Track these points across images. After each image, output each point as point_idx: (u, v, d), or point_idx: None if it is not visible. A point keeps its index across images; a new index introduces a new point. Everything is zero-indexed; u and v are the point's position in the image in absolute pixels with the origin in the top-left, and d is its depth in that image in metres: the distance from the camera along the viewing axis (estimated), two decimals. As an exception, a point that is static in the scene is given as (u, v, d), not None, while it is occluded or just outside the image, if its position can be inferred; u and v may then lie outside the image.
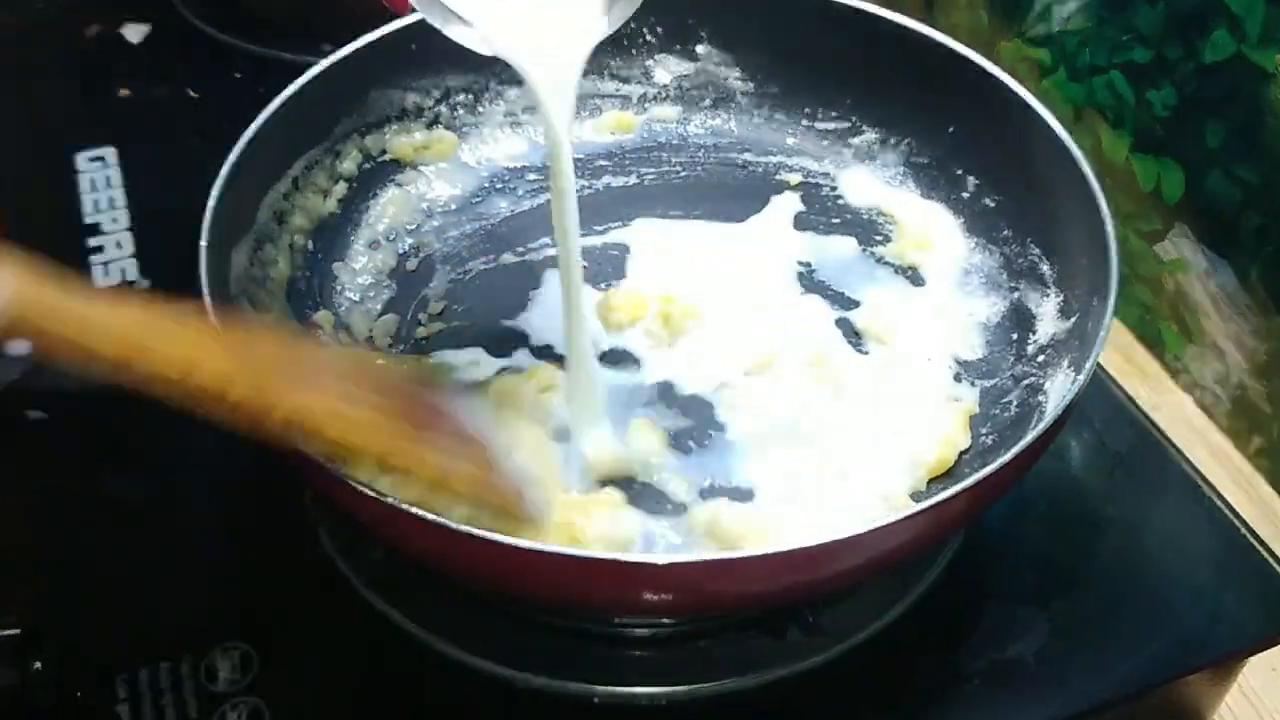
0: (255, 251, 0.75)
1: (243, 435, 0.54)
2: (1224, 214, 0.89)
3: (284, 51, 1.07)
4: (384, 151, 0.87)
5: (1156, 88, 0.92)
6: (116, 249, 0.90)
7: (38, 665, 0.65)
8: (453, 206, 0.88)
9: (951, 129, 0.86)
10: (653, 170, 0.92)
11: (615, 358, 0.77)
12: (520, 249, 0.86)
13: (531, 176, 0.91)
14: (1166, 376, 0.99)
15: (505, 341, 0.78)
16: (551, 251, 0.83)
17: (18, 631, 0.67)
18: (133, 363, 0.47)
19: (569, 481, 0.69)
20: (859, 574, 0.63)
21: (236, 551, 0.72)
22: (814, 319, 0.80)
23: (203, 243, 0.66)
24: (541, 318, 0.80)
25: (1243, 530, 0.74)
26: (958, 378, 0.76)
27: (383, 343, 0.78)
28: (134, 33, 1.14)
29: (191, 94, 1.07)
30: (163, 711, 0.64)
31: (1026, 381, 0.74)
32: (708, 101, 0.95)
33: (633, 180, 0.92)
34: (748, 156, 0.93)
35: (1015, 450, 0.59)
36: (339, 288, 0.81)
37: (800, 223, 0.88)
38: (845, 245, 0.85)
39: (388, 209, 0.86)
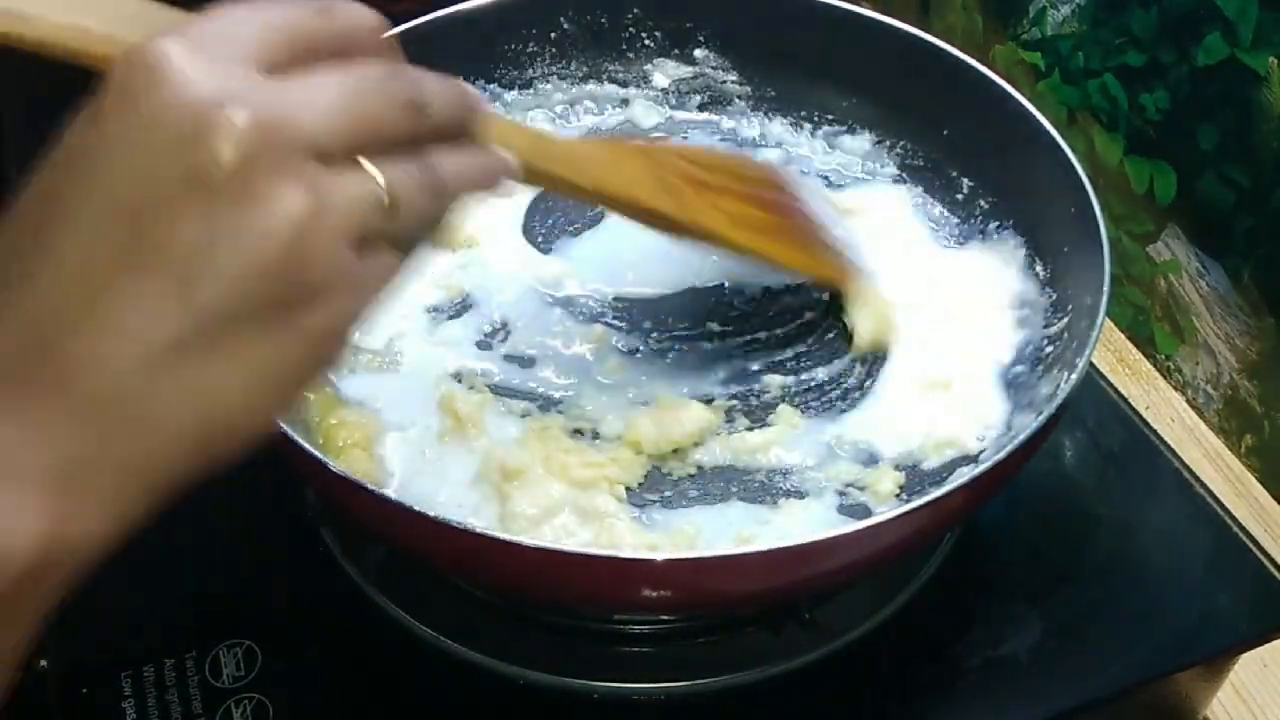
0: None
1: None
2: (1216, 216, 0.90)
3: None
4: (384, 154, 0.87)
5: (1150, 91, 0.93)
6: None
7: (43, 663, 0.66)
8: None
9: (946, 132, 0.87)
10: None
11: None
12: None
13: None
14: (1159, 376, 0.99)
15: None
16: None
17: (24, 629, 0.67)
18: (602, 192, 0.63)
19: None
20: (855, 570, 0.63)
21: (239, 549, 0.73)
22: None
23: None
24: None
25: (1234, 528, 0.75)
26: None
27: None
28: (136, 37, 1.14)
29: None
30: (168, 708, 0.64)
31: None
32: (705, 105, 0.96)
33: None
34: (745, 159, 0.93)
35: (1009, 448, 0.60)
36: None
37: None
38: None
39: (389, 212, 0.86)
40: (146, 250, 0.38)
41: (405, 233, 0.43)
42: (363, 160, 0.41)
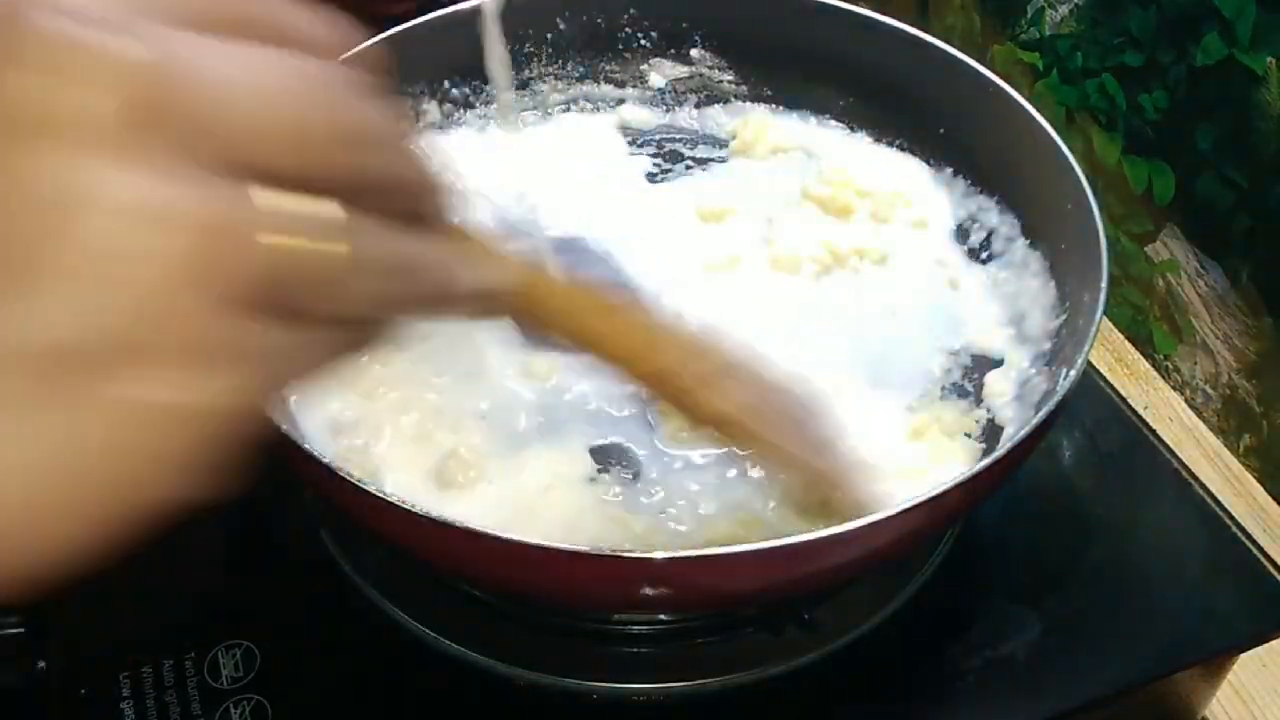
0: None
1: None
2: (1215, 215, 0.90)
3: (283, 56, 1.08)
4: (382, 155, 0.87)
5: (1148, 91, 0.93)
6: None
7: (42, 664, 0.66)
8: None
9: (943, 131, 0.87)
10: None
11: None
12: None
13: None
14: (1157, 376, 0.99)
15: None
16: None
17: (22, 630, 0.67)
18: (589, 347, 0.50)
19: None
20: (855, 568, 0.63)
21: (239, 549, 0.72)
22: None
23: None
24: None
25: (1233, 528, 0.75)
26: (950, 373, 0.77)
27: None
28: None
29: (191, 98, 1.08)
30: (166, 709, 0.64)
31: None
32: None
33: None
34: (742, 159, 0.93)
35: (1008, 446, 0.60)
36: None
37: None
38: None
39: (387, 212, 0.86)
40: None
41: (324, 315, 0.31)
42: (283, 191, 0.29)
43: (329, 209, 0.30)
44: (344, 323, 0.32)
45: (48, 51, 0.25)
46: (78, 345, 0.26)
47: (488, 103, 0.92)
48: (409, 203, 0.33)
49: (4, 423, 0.26)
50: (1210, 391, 0.95)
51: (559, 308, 0.47)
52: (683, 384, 0.55)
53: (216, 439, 0.29)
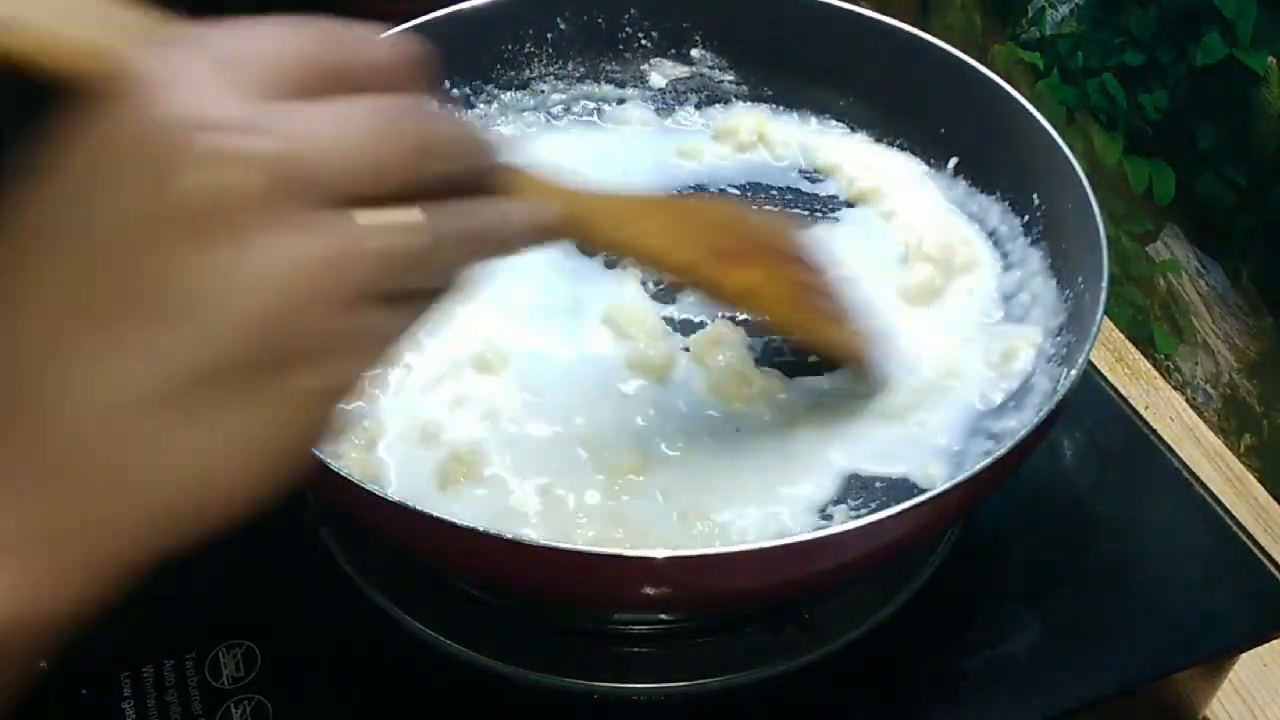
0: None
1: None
2: (1215, 215, 0.90)
3: (283, 56, 1.08)
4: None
5: (1149, 90, 0.93)
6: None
7: (42, 664, 0.66)
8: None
9: (944, 131, 0.87)
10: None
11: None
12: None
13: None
14: (1158, 375, 0.99)
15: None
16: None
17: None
18: (627, 249, 0.60)
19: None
20: (855, 568, 0.63)
21: (239, 549, 0.72)
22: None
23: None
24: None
25: (1233, 528, 0.75)
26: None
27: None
28: (134, 37, 1.14)
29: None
30: (167, 709, 0.64)
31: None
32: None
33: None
34: (742, 159, 0.93)
35: (1008, 445, 0.60)
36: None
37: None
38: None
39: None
40: (128, 294, 0.35)
41: (417, 289, 0.40)
42: (376, 209, 0.37)
43: (412, 212, 0.38)
44: (430, 290, 0.41)
45: (204, 162, 0.34)
46: (254, 359, 0.35)
47: (488, 102, 0.92)
48: (475, 177, 0.41)
49: (210, 421, 0.36)
50: (1211, 391, 0.95)
51: (598, 222, 0.54)
52: (709, 271, 0.63)
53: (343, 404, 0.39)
